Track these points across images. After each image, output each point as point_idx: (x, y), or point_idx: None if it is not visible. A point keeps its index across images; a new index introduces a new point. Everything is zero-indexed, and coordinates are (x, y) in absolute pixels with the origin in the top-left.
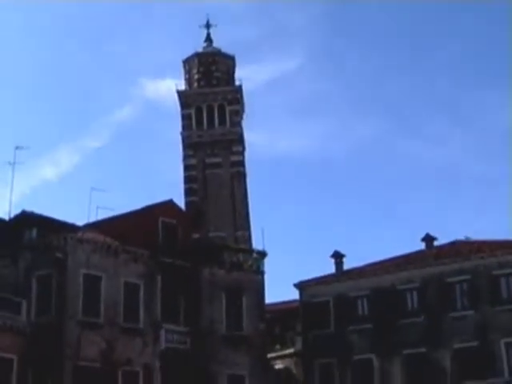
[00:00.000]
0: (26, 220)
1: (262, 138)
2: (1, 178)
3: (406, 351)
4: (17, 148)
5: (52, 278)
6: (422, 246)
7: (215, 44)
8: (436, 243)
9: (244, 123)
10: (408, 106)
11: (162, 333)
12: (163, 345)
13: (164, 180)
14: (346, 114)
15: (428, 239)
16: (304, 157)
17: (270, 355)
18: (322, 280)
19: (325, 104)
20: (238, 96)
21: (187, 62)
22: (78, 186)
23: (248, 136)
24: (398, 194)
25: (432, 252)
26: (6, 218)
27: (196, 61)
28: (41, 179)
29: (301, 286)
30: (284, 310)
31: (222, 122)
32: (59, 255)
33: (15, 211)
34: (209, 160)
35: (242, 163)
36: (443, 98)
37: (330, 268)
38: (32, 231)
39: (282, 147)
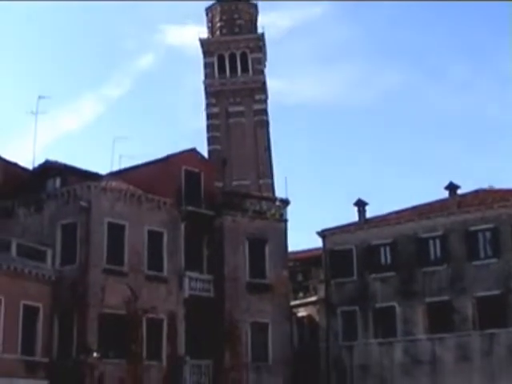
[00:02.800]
0: (50, 169)
1: (285, 86)
2: (24, 128)
3: (428, 299)
4: (40, 98)
5: (76, 227)
6: (446, 194)
7: None
8: (459, 192)
9: (267, 71)
10: (434, 52)
11: (186, 280)
12: (187, 292)
13: (187, 129)
14: (371, 61)
15: (451, 188)
16: (328, 104)
17: (292, 303)
18: (345, 228)
19: (349, 51)
20: (261, 44)
21: (210, 10)
22: (101, 135)
23: (271, 84)
24: (421, 142)
25: (455, 200)
26: (30, 167)
27: (218, 8)
28: (64, 129)
29: (324, 234)
30: (307, 258)
31: (245, 70)
32: (83, 204)
33: (39, 161)
34: (231, 108)
35: (264, 111)
36: (469, 44)
37: (353, 216)
38: (56, 180)
39: (306, 95)
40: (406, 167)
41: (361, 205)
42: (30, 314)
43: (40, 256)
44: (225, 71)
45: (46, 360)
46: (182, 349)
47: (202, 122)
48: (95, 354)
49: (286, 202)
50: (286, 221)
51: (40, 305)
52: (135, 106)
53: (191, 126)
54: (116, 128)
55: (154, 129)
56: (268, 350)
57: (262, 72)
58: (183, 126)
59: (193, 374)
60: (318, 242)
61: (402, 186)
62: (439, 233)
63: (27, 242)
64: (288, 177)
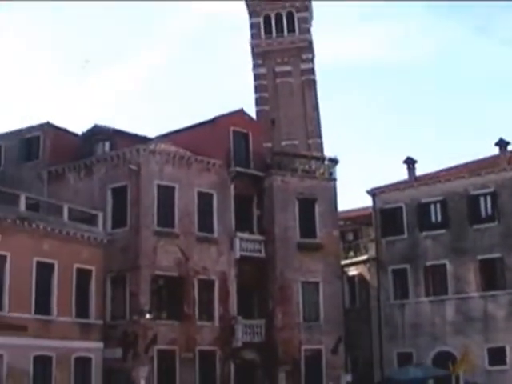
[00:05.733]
0: (99, 134)
1: (333, 45)
2: (72, 91)
3: (480, 256)
4: (87, 61)
5: (126, 190)
6: (496, 151)
7: None
8: (510, 148)
9: (313, 30)
10: (485, 7)
11: (237, 241)
12: (238, 253)
13: (234, 90)
14: (420, 18)
15: (502, 144)
16: (376, 62)
17: (343, 262)
18: (395, 186)
19: (397, 8)
20: (307, 3)
21: None
22: (148, 98)
23: (318, 43)
24: (471, 98)
25: (506, 157)
26: (80, 132)
27: None
28: (112, 92)
29: (373, 192)
30: (357, 217)
31: (291, 29)
32: (133, 167)
33: (88, 125)
34: (279, 68)
35: (312, 71)
36: None
37: (403, 174)
38: (105, 145)
39: (353, 53)
40: (456, 124)
41: (410, 162)
42: (83, 277)
43: (91, 220)
44: (271, 31)
45: (99, 322)
46: (233, 309)
47: (250, 82)
48: (148, 316)
49: (335, 161)
50: (335, 180)
51: (93, 268)
52: (182, 67)
53: (239, 87)
54: (163, 90)
55: (201, 92)
56: (319, 309)
57: (308, 31)
58: (231, 87)
59: (245, 334)
60: (367, 201)
61: (452, 144)
62: (490, 189)
63: (78, 206)
64: (337, 136)
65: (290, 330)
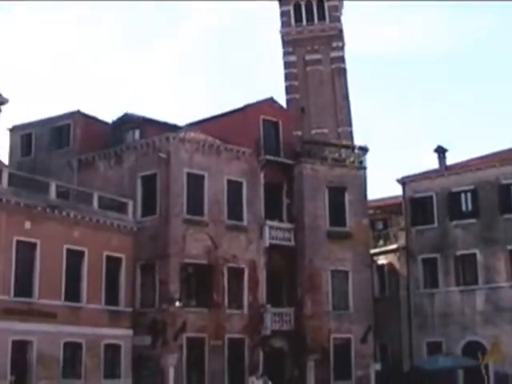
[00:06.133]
0: (129, 122)
1: (363, 33)
2: (103, 79)
3: (510, 246)
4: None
5: (156, 178)
6: None
7: None
8: None
9: (343, 18)
10: None
11: (266, 229)
12: (267, 241)
13: (264, 79)
14: (454, 5)
15: None
16: (407, 50)
17: (373, 251)
18: (426, 175)
19: None
20: None
21: None
22: (178, 87)
23: (348, 31)
24: (504, 87)
25: None
26: (109, 120)
27: None
28: (142, 80)
29: (404, 181)
30: (387, 206)
31: (321, 17)
32: (162, 155)
33: (118, 113)
34: (309, 56)
35: (342, 59)
36: None
37: (434, 163)
38: (135, 133)
39: (383, 41)
40: (487, 113)
41: (441, 151)
42: (113, 264)
43: (121, 208)
44: (301, 19)
45: (129, 309)
46: (263, 297)
47: (279, 71)
48: (177, 303)
49: (365, 150)
50: (365, 168)
51: (122, 256)
52: (213, 56)
53: (269, 76)
54: (192, 81)
55: (232, 81)
56: (348, 298)
57: (338, 19)
58: (261, 76)
59: (274, 322)
60: (397, 190)
61: (483, 132)
62: None
63: (108, 194)
64: (367, 124)
65: (319, 319)
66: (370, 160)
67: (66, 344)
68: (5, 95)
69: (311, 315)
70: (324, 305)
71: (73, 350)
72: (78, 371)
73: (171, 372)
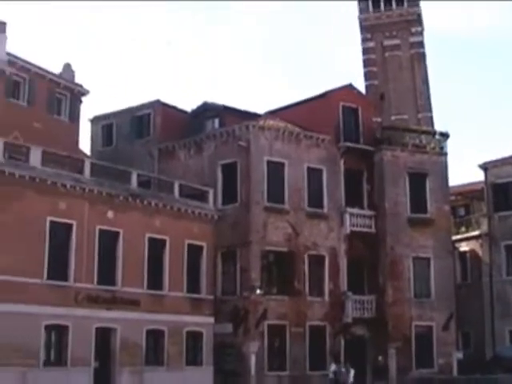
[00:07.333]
0: (208, 111)
1: (442, 17)
2: (181, 69)
3: None
4: (169, 43)
5: (236, 167)
6: None
7: None
8: None
9: (422, 3)
10: None
11: (347, 216)
12: (348, 229)
13: (343, 65)
14: None
15: None
16: (484, 34)
17: (454, 237)
18: (508, 160)
19: None
20: None
21: None
22: (256, 74)
23: (426, 16)
24: None
25: None
26: (189, 109)
27: None
28: (220, 69)
29: (485, 166)
30: (468, 192)
31: (400, 2)
32: (242, 143)
33: (197, 102)
34: (387, 42)
35: (421, 44)
36: None
37: None
38: (214, 121)
39: (462, 25)
40: None
41: None
42: (194, 252)
43: (202, 196)
44: (379, 5)
45: (210, 297)
46: (344, 285)
47: (358, 57)
48: (259, 291)
49: (445, 135)
50: (446, 154)
51: (203, 244)
52: (288, 44)
53: (348, 62)
54: (270, 69)
55: (309, 69)
56: (430, 285)
57: (417, 4)
58: (340, 63)
59: (355, 310)
60: (479, 176)
61: None
62: None
63: (189, 182)
64: (447, 109)
65: (401, 306)
66: (451, 145)
67: (148, 331)
68: (85, 86)
69: (393, 303)
70: (406, 292)
71: (155, 337)
72: (160, 358)
73: (253, 359)
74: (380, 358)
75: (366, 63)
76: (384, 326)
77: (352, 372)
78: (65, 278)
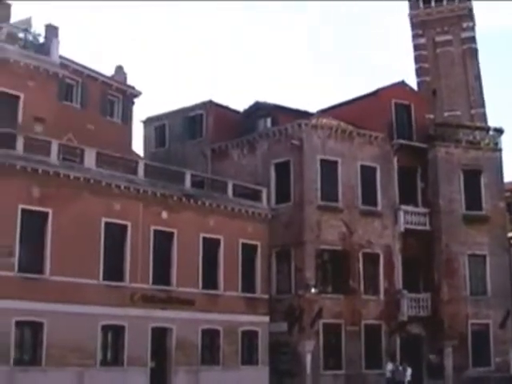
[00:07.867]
0: (260, 110)
1: (495, 12)
2: (233, 69)
3: None
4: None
5: (289, 165)
6: None
7: None
8: None
9: None
10: None
11: (401, 214)
12: (402, 226)
13: (395, 62)
14: None
15: None
16: None
17: (510, 234)
18: None
19: None
20: None
21: None
22: (306, 73)
23: (478, 11)
24: None
25: None
26: (241, 109)
27: None
28: (270, 69)
29: None
30: None
31: None
32: (295, 142)
33: (249, 102)
34: (438, 38)
35: (473, 39)
36: None
37: None
38: (266, 121)
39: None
40: None
41: None
42: (249, 252)
43: (255, 195)
44: (430, 1)
45: (265, 296)
46: (399, 283)
47: (410, 54)
48: (313, 290)
49: (500, 131)
50: (500, 150)
51: (258, 243)
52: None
53: (400, 59)
54: (321, 68)
55: (360, 67)
56: (486, 282)
57: None
58: (391, 60)
59: (410, 308)
60: None
61: None
62: None
63: (242, 182)
64: (501, 104)
65: (457, 304)
66: (505, 141)
67: (204, 331)
68: (138, 88)
69: (448, 300)
70: (461, 290)
71: (211, 336)
72: (216, 358)
73: (308, 358)
74: (432, 356)
75: (417, 59)
76: (440, 324)
77: (409, 371)
78: (120, 278)
